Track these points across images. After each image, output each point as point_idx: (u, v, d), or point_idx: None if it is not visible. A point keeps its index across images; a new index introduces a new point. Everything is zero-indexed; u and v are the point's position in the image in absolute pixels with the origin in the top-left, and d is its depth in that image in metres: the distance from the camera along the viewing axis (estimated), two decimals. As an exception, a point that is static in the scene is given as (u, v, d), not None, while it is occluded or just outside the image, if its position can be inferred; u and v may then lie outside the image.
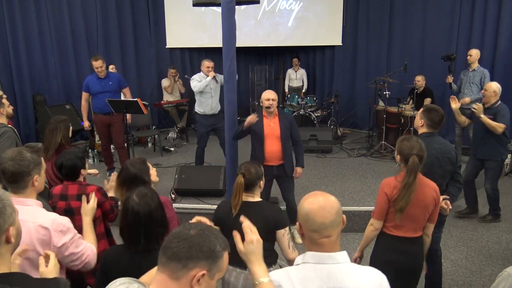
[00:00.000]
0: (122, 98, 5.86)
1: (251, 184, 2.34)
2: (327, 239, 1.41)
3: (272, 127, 3.85)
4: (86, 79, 5.42)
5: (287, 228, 2.35)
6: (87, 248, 1.98)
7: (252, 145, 3.98)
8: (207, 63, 5.21)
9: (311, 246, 1.44)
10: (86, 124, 5.43)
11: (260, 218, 2.19)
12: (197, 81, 5.18)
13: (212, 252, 1.15)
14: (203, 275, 1.14)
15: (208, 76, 5.17)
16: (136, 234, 1.75)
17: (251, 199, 2.36)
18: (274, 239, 2.35)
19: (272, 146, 3.85)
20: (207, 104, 5.30)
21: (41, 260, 1.56)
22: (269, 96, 3.81)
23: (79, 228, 2.53)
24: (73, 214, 2.49)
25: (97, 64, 5.19)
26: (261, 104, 3.92)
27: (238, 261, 2.19)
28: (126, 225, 1.78)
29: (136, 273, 1.76)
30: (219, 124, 5.21)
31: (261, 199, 2.42)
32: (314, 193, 1.49)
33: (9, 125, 3.50)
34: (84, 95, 5.37)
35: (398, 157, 2.47)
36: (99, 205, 2.55)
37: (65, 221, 1.91)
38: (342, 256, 1.43)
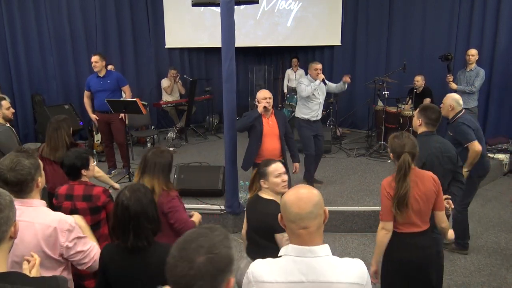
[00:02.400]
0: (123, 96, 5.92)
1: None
2: (304, 230, 1.43)
3: (270, 125, 3.88)
4: (88, 78, 5.55)
5: (283, 234, 2.37)
6: (93, 246, 1.99)
7: (249, 143, 4.00)
8: (314, 65, 4.81)
9: (292, 237, 1.47)
10: (93, 117, 5.52)
11: (259, 214, 2.38)
12: (305, 85, 4.75)
13: (232, 264, 1.11)
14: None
15: (316, 79, 4.79)
16: (125, 229, 1.74)
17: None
18: (269, 238, 2.35)
19: (272, 144, 3.88)
20: (313, 109, 4.92)
21: (25, 265, 1.53)
22: (265, 95, 3.85)
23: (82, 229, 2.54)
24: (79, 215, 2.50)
25: (93, 58, 5.33)
26: (256, 103, 3.94)
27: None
28: (116, 220, 1.76)
29: (130, 272, 1.75)
30: (320, 132, 5.06)
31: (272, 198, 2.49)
32: (297, 186, 1.52)
33: (7, 124, 3.52)
34: (86, 93, 5.50)
35: (391, 155, 2.50)
36: (104, 206, 2.55)
37: (71, 220, 1.92)
38: (323, 249, 1.44)
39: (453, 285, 3.49)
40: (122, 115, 5.32)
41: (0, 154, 3.25)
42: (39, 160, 1.98)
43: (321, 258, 1.43)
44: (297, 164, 4.16)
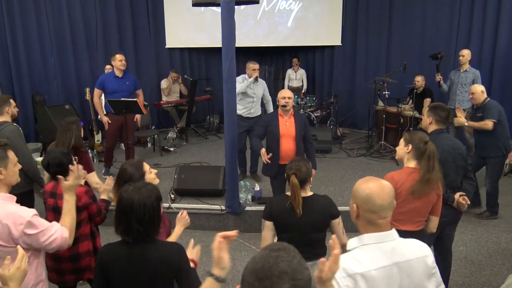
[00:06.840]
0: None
1: (303, 181, 2.45)
2: (384, 220, 1.53)
3: (287, 126, 3.84)
4: (102, 77, 5.42)
5: (340, 217, 2.51)
6: (51, 228, 1.95)
7: (267, 144, 3.93)
8: (252, 66, 5.11)
9: (368, 226, 1.55)
10: (104, 119, 5.36)
11: (317, 211, 2.45)
12: (239, 82, 4.96)
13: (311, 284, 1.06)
14: None
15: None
16: (117, 220, 1.76)
17: (304, 194, 2.46)
18: (326, 229, 2.51)
19: (287, 145, 3.84)
20: (246, 107, 5.22)
21: (7, 261, 1.51)
22: (285, 94, 3.82)
23: None
24: (60, 213, 2.43)
25: (121, 57, 5.26)
26: (277, 103, 3.90)
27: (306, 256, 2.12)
28: (116, 209, 1.79)
29: (130, 267, 1.75)
30: (253, 127, 5.22)
31: (312, 193, 2.54)
32: (369, 178, 1.60)
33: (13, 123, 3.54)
34: (98, 92, 5.33)
35: (409, 147, 2.49)
36: (86, 207, 2.53)
37: (27, 214, 1.89)
38: (395, 233, 1.56)
39: (453, 285, 3.49)
40: (137, 116, 5.41)
41: None
42: (8, 154, 1.98)
43: (397, 241, 1.55)
44: (313, 171, 4.07)
